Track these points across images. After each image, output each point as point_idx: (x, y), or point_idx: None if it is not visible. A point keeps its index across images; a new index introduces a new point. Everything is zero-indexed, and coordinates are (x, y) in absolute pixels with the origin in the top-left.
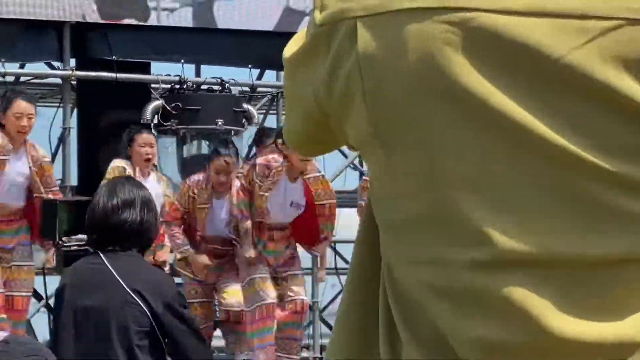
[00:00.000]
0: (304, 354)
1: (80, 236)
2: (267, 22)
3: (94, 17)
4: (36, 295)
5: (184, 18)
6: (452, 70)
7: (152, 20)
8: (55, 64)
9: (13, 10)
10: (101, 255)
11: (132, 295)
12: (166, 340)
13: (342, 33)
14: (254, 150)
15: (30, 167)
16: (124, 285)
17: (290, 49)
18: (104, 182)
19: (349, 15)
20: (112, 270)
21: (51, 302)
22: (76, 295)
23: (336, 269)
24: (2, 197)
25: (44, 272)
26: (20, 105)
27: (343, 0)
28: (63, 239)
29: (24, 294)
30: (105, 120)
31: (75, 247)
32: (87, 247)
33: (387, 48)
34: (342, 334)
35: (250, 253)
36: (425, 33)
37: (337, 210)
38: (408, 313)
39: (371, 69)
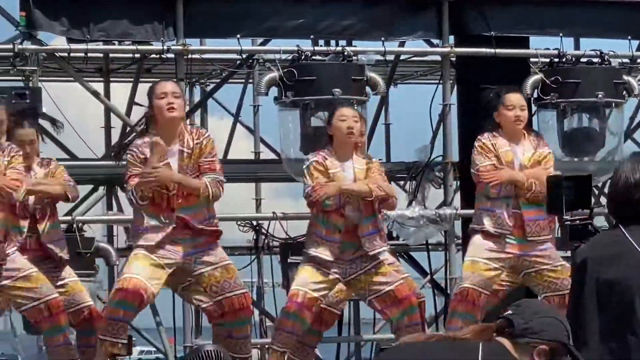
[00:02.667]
0: None
1: (582, 211)
2: None
3: None
4: (422, 270)
5: None
6: None
7: None
8: (435, 41)
9: None
10: (622, 228)
11: None
12: None
13: None
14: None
15: None
16: None
17: None
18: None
19: None
20: (634, 244)
21: (435, 277)
22: (598, 268)
23: None
24: None
25: (427, 247)
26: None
27: None
28: (567, 214)
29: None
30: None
31: (578, 222)
32: (589, 222)
33: None
34: None
35: None
36: None
37: None
38: None
39: None
